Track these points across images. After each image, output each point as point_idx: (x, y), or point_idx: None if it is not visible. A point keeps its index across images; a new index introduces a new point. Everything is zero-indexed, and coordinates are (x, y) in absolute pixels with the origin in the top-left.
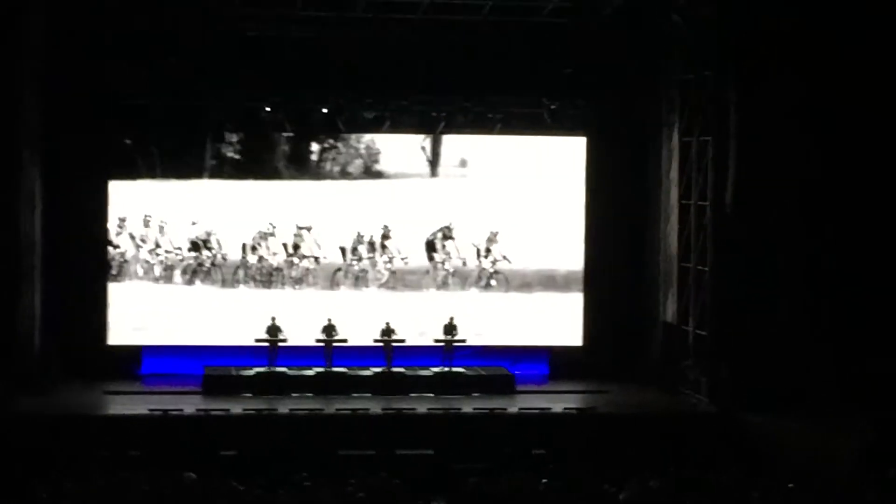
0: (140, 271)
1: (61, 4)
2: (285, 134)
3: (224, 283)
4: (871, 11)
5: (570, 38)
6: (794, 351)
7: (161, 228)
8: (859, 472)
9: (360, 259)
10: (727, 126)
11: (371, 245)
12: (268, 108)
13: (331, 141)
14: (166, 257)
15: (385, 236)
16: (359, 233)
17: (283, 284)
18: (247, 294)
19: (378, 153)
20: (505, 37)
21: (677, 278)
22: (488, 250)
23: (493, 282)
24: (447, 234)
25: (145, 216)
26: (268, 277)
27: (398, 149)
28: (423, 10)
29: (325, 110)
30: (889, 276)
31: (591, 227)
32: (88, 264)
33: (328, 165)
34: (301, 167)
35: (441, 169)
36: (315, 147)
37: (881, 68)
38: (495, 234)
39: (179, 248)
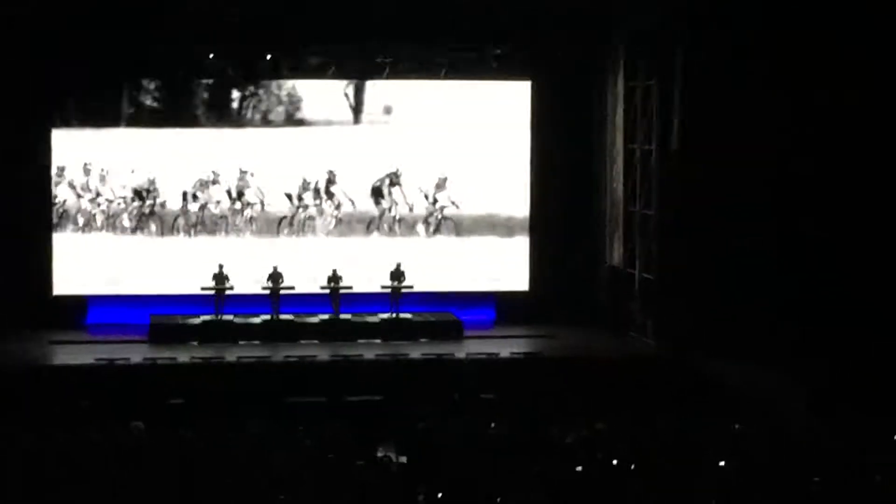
0: (81, 220)
1: None
2: (204, 81)
3: (166, 232)
4: None
5: None
6: (739, 293)
7: (102, 177)
8: (808, 414)
9: (306, 206)
10: (672, 70)
11: (317, 192)
12: (211, 55)
13: (251, 88)
14: (108, 206)
15: (330, 181)
16: (304, 179)
17: (227, 232)
18: (192, 242)
19: (300, 100)
20: None
21: (623, 222)
22: (436, 197)
23: (441, 228)
24: (394, 179)
25: (85, 164)
26: (211, 226)
27: (320, 96)
28: None
29: (269, 57)
30: (836, 213)
31: (536, 173)
32: (31, 214)
33: (249, 113)
34: (222, 115)
35: (364, 116)
36: (236, 94)
37: (830, 12)
38: (444, 180)
39: (123, 198)
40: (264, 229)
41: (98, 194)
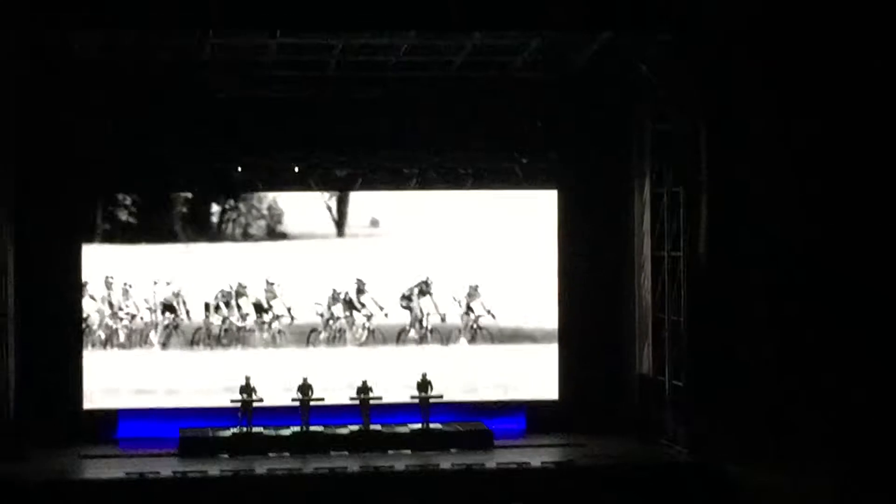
0: (103, 335)
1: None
2: (183, 194)
3: (192, 345)
4: (845, 60)
5: (540, 91)
6: (771, 400)
7: (125, 291)
8: None
9: (337, 318)
10: (698, 176)
11: (347, 302)
12: (239, 168)
13: (231, 202)
14: (131, 321)
15: (360, 291)
16: (334, 290)
17: (256, 343)
18: (220, 354)
19: (281, 213)
20: (475, 92)
21: (652, 330)
22: (469, 306)
23: (477, 337)
24: (424, 289)
25: (107, 278)
26: (238, 338)
27: (302, 208)
28: (392, 67)
29: (296, 169)
30: (867, 324)
31: (564, 281)
32: (62, 329)
33: (230, 227)
34: (201, 229)
35: (348, 229)
36: (215, 208)
37: (857, 119)
38: (475, 289)
39: (152, 309)
40: (293, 340)
41: (120, 308)
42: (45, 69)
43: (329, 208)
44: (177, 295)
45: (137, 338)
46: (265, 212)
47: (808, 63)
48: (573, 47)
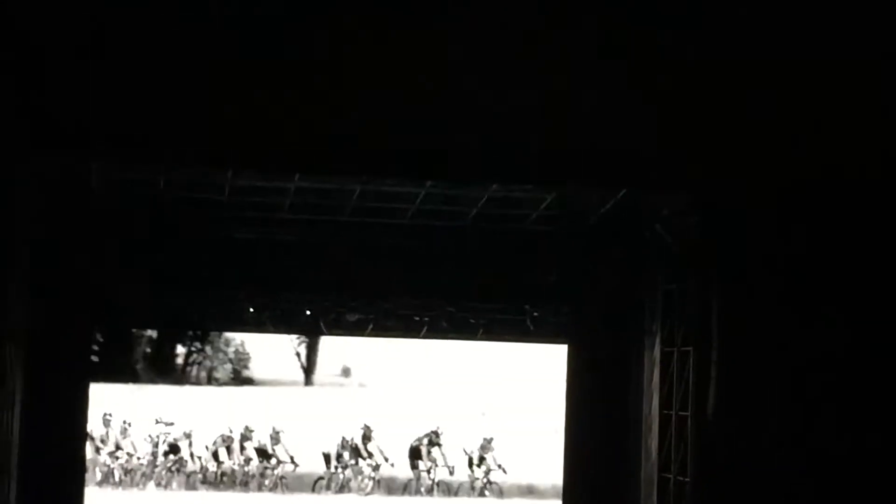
0: (98, 475)
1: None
2: (147, 334)
3: (195, 487)
4: (854, 215)
5: (553, 246)
6: None
7: (124, 430)
8: None
9: (345, 466)
10: (709, 336)
11: (354, 449)
12: (251, 310)
13: (197, 344)
14: (127, 460)
15: (366, 438)
16: (343, 437)
17: (258, 489)
18: (223, 498)
19: (248, 357)
20: (489, 243)
21: (658, 489)
22: (482, 458)
23: (486, 491)
24: (433, 439)
25: (105, 415)
26: (237, 482)
27: (269, 353)
28: (409, 215)
29: (308, 312)
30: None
31: (570, 435)
32: (65, 464)
33: (194, 370)
34: (164, 370)
35: (316, 377)
36: (181, 350)
37: (869, 276)
38: (490, 441)
39: (155, 449)
40: (296, 487)
41: (118, 447)
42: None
43: (298, 354)
44: (188, 436)
45: (135, 477)
46: (231, 355)
47: (827, 232)
48: (588, 203)
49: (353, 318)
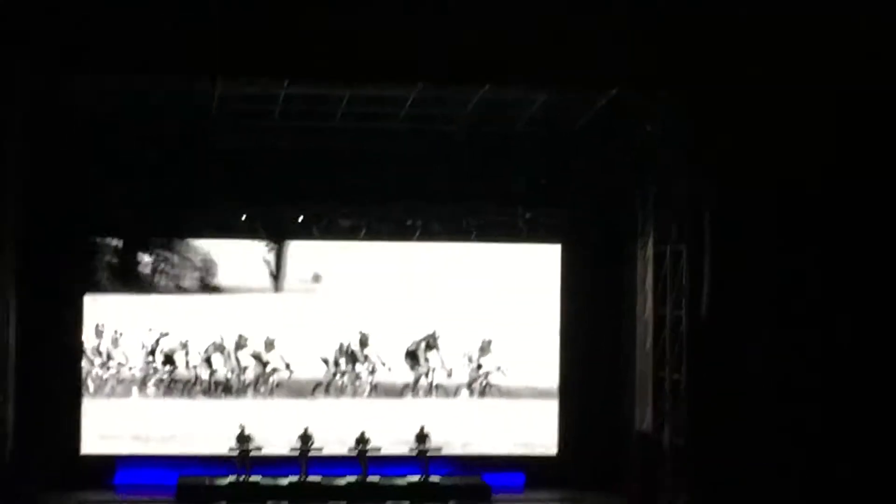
0: (91, 386)
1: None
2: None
3: (191, 395)
4: (848, 123)
5: (545, 148)
6: (771, 462)
7: (115, 341)
8: None
9: (343, 372)
10: (702, 235)
11: (351, 355)
12: (244, 217)
13: (163, 252)
14: (118, 370)
15: (363, 343)
16: (341, 343)
17: (254, 395)
18: (218, 405)
19: (215, 265)
20: (481, 147)
21: (653, 388)
22: (480, 362)
23: (486, 394)
24: (431, 342)
25: (97, 326)
26: (232, 389)
27: (237, 260)
28: (400, 119)
29: (300, 219)
30: (872, 388)
31: (565, 336)
32: (61, 376)
33: (161, 279)
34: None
35: (287, 283)
36: (146, 259)
37: (859, 177)
38: (489, 344)
39: (150, 358)
40: (293, 393)
41: (110, 357)
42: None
43: (266, 261)
44: (184, 346)
45: (128, 387)
46: (198, 263)
47: (813, 128)
48: (579, 104)
49: (346, 223)
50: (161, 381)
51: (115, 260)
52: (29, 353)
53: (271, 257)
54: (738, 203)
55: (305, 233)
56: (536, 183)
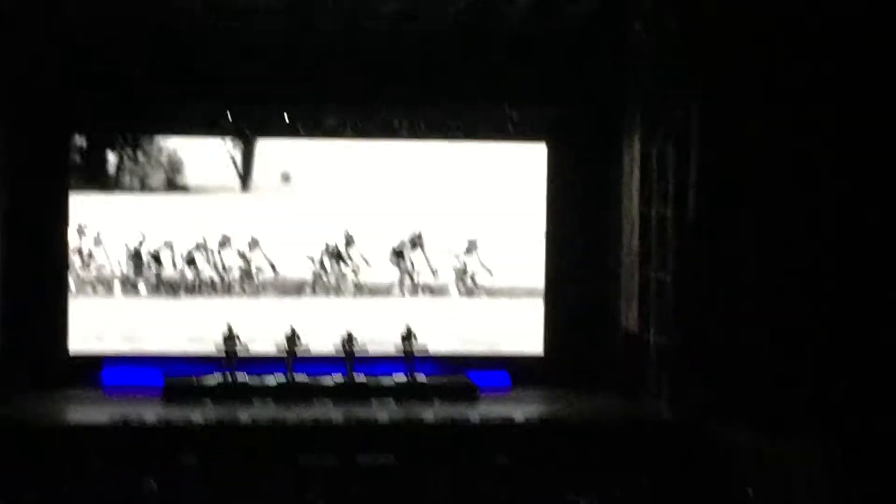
0: (72, 285)
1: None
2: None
3: (175, 294)
4: (839, 23)
5: (533, 46)
6: (757, 362)
7: (97, 240)
8: (821, 486)
9: (327, 271)
10: (689, 135)
11: (336, 255)
12: (228, 114)
13: (128, 150)
14: (98, 271)
15: (348, 243)
16: (326, 243)
17: (238, 295)
18: (206, 303)
19: (181, 164)
20: (469, 45)
21: (639, 287)
22: (465, 262)
23: (472, 294)
24: (416, 241)
25: (80, 226)
26: (216, 289)
27: (204, 159)
28: (385, 16)
29: (286, 117)
30: (862, 286)
31: (551, 236)
32: (49, 275)
33: (126, 177)
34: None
35: (254, 182)
36: (111, 157)
37: (849, 78)
38: (474, 243)
39: (135, 259)
40: (282, 291)
41: (91, 256)
42: None
43: (233, 160)
44: (168, 245)
45: (111, 287)
46: (164, 162)
47: (804, 30)
48: (566, 1)
49: (331, 122)
50: (148, 280)
51: (80, 159)
52: (14, 252)
53: (238, 156)
54: (727, 103)
55: (291, 132)
56: (523, 81)
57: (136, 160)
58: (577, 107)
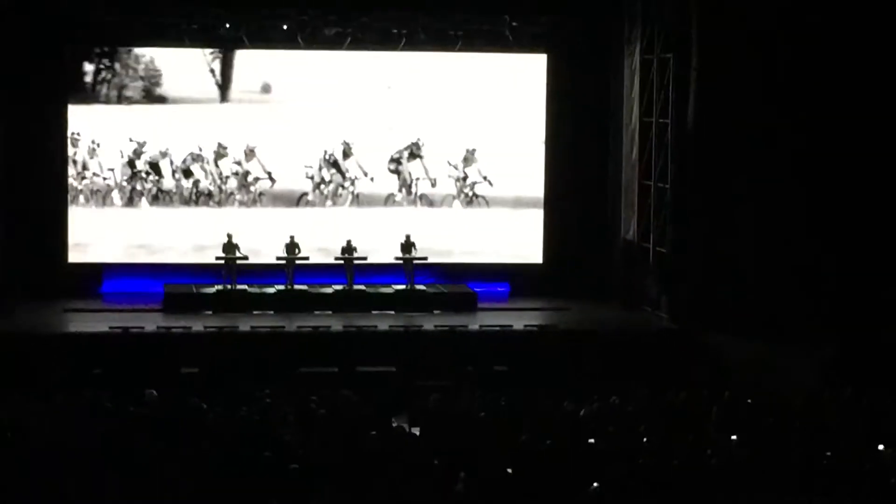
0: (69, 197)
1: None
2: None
3: (166, 204)
4: None
5: None
6: (754, 270)
7: (92, 151)
8: (818, 391)
9: (325, 181)
10: (688, 43)
11: (334, 164)
12: (227, 24)
13: (105, 61)
14: (92, 181)
15: (346, 154)
16: (325, 151)
17: (235, 205)
18: (206, 213)
19: (159, 74)
20: None
21: (638, 196)
22: (465, 172)
23: (473, 204)
24: (415, 151)
25: (72, 135)
26: (214, 199)
27: (181, 69)
28: None
29: (284, 27)
30: (855, 195)
31: (551, 146)
32: (47, 185)
33: (104, 88)
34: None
35: (232, 94)
36: (89, 68)
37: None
38: (473, 153)
39: (133, 168)
40: (281, 202)
41: (85, 167)
42: None
43: (212, 71)
44: (164, 155)
45: (106, 197)
46: (142, 72)
47: None
48: None
49: (330, 32)
50: (147, 190)
51: (62, 69)
52: (12, 161)
53: (217, 66)
54: (726, 12)
55: (290, 42)
56: None
57: (118, 72)
58: (576, 17)
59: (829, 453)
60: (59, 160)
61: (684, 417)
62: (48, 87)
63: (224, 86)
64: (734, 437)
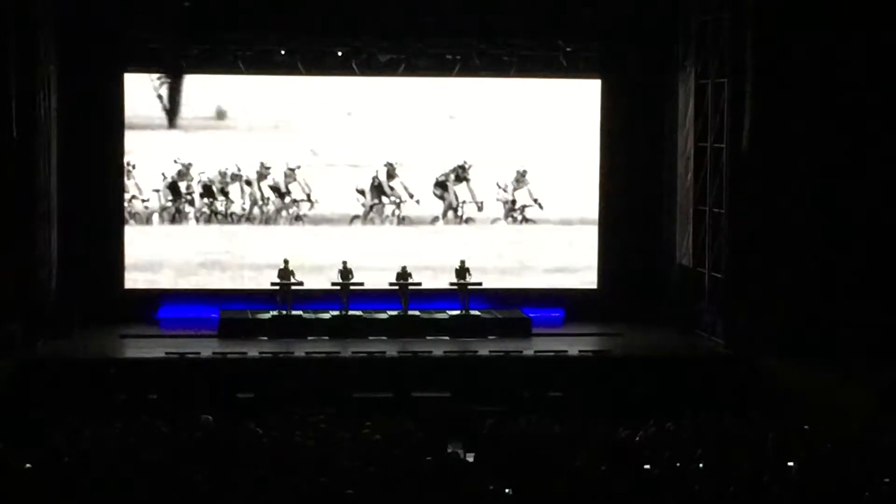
0: (128, 218)
1: None
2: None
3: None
4: None
5: None
6: (810, 295)
7: (128, 173)
8: (874, 418)
9: (375, 204)
10: (744, 68)
11: (377, 188)
12: (282, 51)
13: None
14: (130, 203)
15: (390, 175)
16: (374, 176)
17: (282, 226)
18: (256, 233)
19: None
20: None
21: (693, 221)
22: (515, 196)
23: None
24: (461, 174)
25: (128, 164)
26: (249, 220)
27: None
28: None
29: (339, 53)
30: None
31: (606, 171)
32: (105, 209)
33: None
34: None
35: (181, 120)
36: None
37: None
38: (523, 174)
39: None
40: (327, 223)
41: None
42: None
43: (160, 97)
44: (223, 175)
45: (147, 218)
46: None
47: None
48: None
49: (384, 58)
50: (201, 213)
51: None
52: (68, 191)
53: (164, 91)
54: (782, 36)
55: (344, 68)
56: (578, 16)
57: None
58: (630, 42)
59: (886, 480)
60: (117, 187)
61: (740, 444)
62: (108, 113)
63: (172, 112)
64: (791, 464)
